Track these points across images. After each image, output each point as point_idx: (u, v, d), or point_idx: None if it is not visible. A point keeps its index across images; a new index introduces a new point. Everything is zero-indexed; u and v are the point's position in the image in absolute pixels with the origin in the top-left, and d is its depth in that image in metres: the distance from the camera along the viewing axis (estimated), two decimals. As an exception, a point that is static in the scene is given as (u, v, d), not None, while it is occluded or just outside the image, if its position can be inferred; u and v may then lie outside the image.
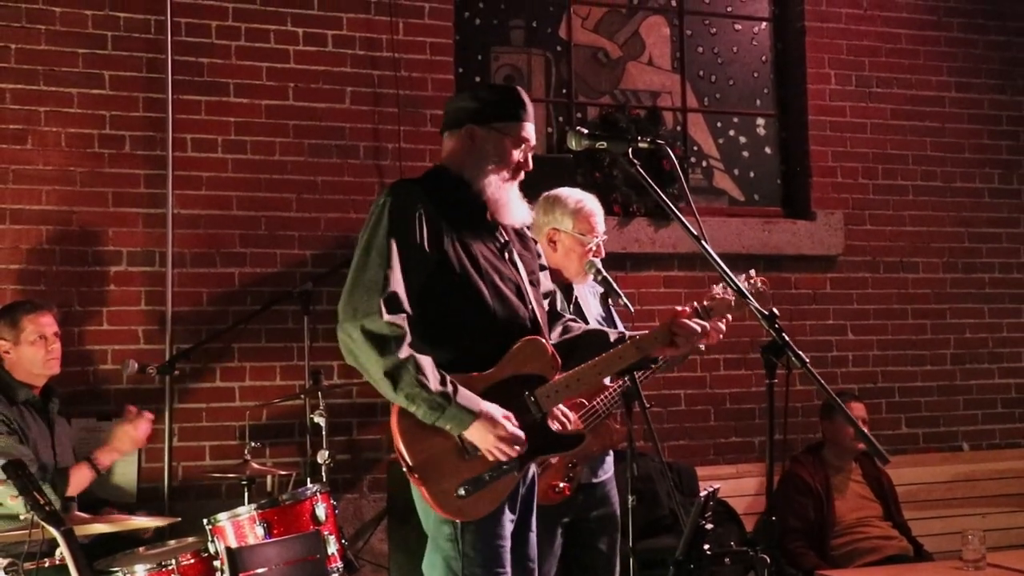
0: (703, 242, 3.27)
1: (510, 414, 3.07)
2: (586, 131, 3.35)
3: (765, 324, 3.17)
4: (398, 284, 3.01)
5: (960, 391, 6.85)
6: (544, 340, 3.23)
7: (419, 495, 3.09)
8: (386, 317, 2.95)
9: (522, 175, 3.32)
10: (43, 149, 5.28)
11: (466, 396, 3.01)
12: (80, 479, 4.53)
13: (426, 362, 2.98)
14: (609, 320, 4.25)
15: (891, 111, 6.78)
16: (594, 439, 4.03)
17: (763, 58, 6.79)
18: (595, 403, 4.03)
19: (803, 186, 6.62)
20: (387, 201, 3.10)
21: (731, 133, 6.70)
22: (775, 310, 3.24)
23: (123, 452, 4.73)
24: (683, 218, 3.30)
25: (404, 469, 3.03)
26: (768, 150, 6.75)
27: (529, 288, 3.28)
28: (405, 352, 2.95)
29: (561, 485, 3.98)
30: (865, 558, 5.66)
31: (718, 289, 3.49)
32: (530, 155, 3.32)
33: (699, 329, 3.35)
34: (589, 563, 4.15)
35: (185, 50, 5.48)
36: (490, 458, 3.03)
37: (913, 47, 6.86)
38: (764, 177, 6.73)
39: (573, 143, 3.34)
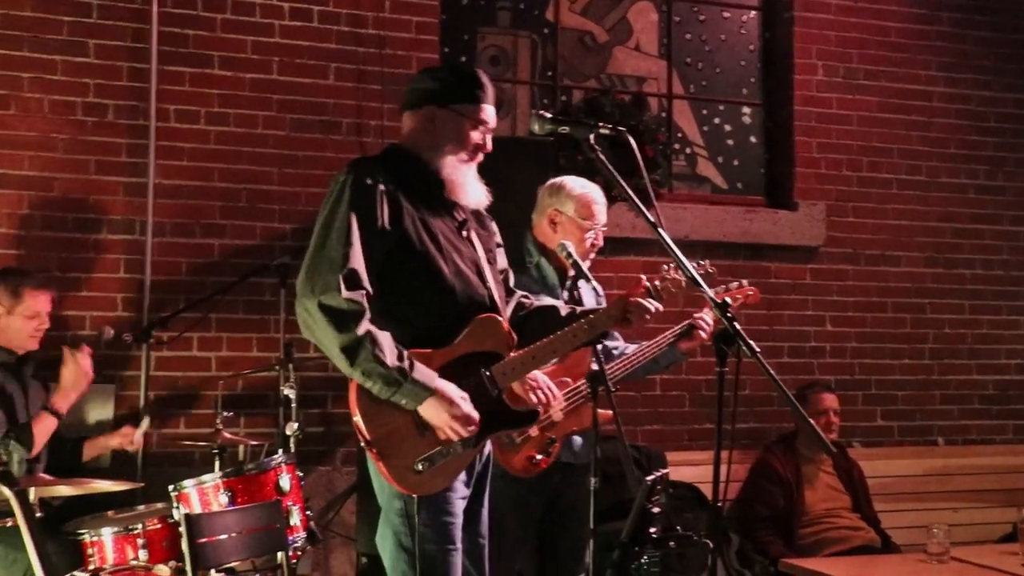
0: (659, 229, 3.29)
1: (465, 395, 3.10)
2: (549, 115, 3.36)
3: (718, 312, 3.20)
4: (358, 261, 3.02)
5: (937, 385, 6.87)
6: (500, 318, 3.27)
7: (375, 470, 3.12)
8: (345, 294, 2.97)
9: (480, 157, 3.34)
10: (26, 115, 5.31)
11: (422, 372, 3.03)
12: (44, 429, 4.54)
13: (384, 338, 3.00)
14: None
15: (877, 104, 6.78)
16: (574, 419, 4.08)
17: (751, 47, 6.80)
18: (579, 384, 4.07)
19: (786, 176, 6.63)
20: (348, 178, 3.11)
21: (716, 121, 6.71)
22: (728, 299, 3.28)
23: (77, 390, 4.70)
24: (641, 205, 3.31)
25: (362, 443, 3.05)
26: (753, 139, 6.77)
27: (487, 266, 3.32)
28: (363, 328, 2.97)
29: (539, 457, 4.01)
30: (832, 548, 5.70)
31: (669, 270, 3.56)
32: (488, 137, 3.33)
33: (651, 308, 3.45)
34: (563, 544, 4.18)
35: (170, 21, 5.51)
36: (442, 436, 3.06)
37: (902, 40, 6.87)
38: (748, 166, 6.76)
39: (536, 127, 3.36)
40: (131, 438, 4.86)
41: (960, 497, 6.61)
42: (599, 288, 4.38)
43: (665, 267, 3.65)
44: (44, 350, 5.09)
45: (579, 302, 4.26)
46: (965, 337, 6.95)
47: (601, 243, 4.30)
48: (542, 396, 3.51)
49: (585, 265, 4.24)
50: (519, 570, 4.23)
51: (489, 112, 3.31)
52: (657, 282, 3.52)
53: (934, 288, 6.88)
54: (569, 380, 4.01)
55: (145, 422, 5.02)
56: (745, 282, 3.82)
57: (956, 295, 6.93)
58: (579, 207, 4.21)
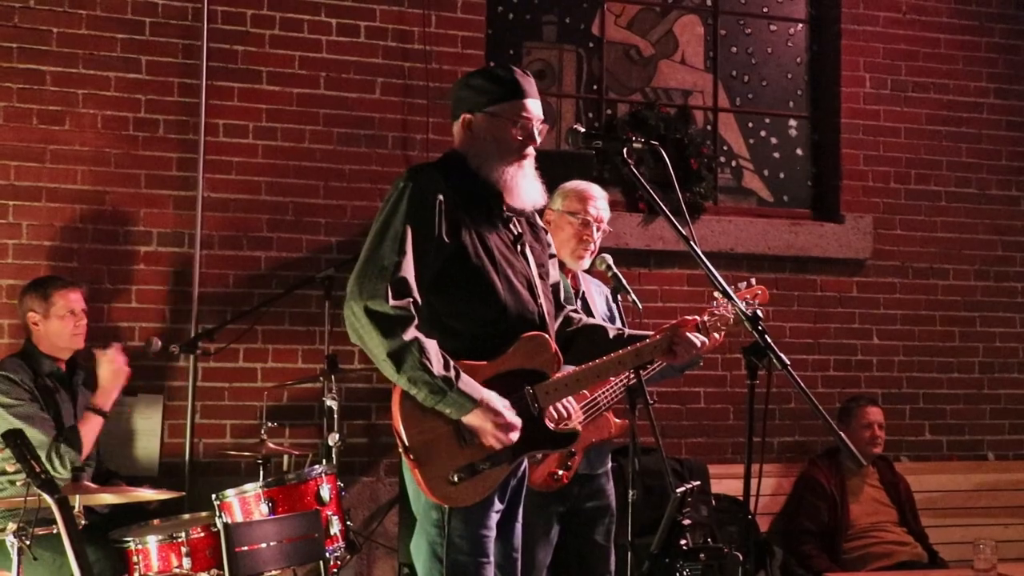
0: (691, 242, 3.31)
1: (508, 402, 3.09)
2: (582, 130, 3.37)
3: (748, 325, 3.20)
4: (408, 271, 3.02)
5: (987, 400, 6.79)
6: (549, 337, 3.25)
7: (410, 477, 3.12)
8: (391, 302, 2.97)
9: (531, 151, 3.28)
10: (80, 130, 5.43)
11: (467, 382, 3.02)
12: (90, 429, 4.64)
13: (431, 345, 2.99)
14: (613, 321, 4.32)
15: (926, 116, 6.73)
16: (592, 430, 4.10)
17: (798, 60, 6.78)
18: (597, 395, 4.10)
19: (833, 189, 6.60)
20: (407, 186, 3.10)
21: (762, 134, 6.70)
22: (759, 311, 3.29)
23: (114, 386, 4.76)
24: (673, 219, 3.33)
25: (400, 449, 3.06)
26: (799, 152, 6.75)
27: (539, 282, 3.31)
28: (410, 335, 2.97)
29: (560, 473, 4.05)
30: (877, 563, 5.68)
31: (717, 307, 3.58)
32: (536, 128, 3.27)
33: (698, 344, 3.45)
34: (585, 554, 4.22)
35: (220, 37, 5.61)
36: (486, 444, 3.06)
37: (952, 52, 6.81)
38: (794, 179, 6.73)
39: (570, 141, 3.39)
40: (109, 362, 4.78)
41: (1010, 513, 6.52)
42: (638, 301, 4.37)
43: (715, 302, 3.66)
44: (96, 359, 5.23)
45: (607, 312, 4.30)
46: (1016, 351, 6.86)
47: (595, 237, 4.28)
48: (561, 410, 3.53)
49: (584, 264, 4.28)
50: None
51: (530, 106, 3.25)
52: (705, 317, 3.54)
53: (984, 301, 6.81)
54: (586, 392, 4.03)
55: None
56: (753, 280, 3.79)
57: (1007, 308, 6.86)
58: (567, 201, 4.26)
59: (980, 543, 4.78)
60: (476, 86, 3.27)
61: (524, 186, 3.27)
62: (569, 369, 3.30)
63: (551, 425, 3.27)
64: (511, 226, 3.31)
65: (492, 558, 3.19)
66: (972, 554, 4.76)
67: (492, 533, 3.19)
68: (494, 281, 3.16)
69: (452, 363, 3.02)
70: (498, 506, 3.22)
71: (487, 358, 3.15)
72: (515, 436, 3.09)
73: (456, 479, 3.04)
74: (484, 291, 3.16)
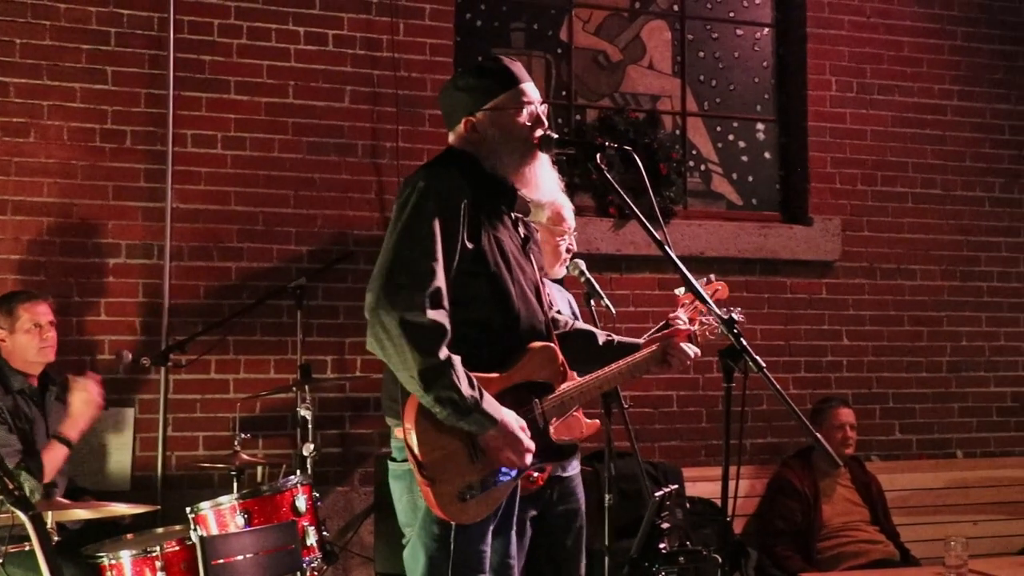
0: (666, 247, 3.30)
1: (524, 423, 3.03)
2: (555, 136, 3.35)
3: (724, 329, 3.21)
4: (442, 279, 2.90)
5: (955, 398, 6.85)
6: (556, 348, 3.19)
7: (401, 490, 3.09)
8: (429, 314, 2.83)
9: (540, 134, 3.19)
10: (45, 142, 5.39)
11: (489, 402, 2.93)
12: (53, 458, 4.55)
13: (459, 363, 2.87)
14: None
15: (892, 118, 6.79)
16: (563, 431, 4.08)
17: (764, 64, 6.82)
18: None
19: (801, 191, 6.64)
20: (430, 185, 2.98)
21: (730, 138, 6.73)
22: (735, 315, 3.29)
23: (86, 418, 4.69)
24: (647, 223, 3.32)
25: (413, 466, 2.94)
26: (767, 155, 6.79)
27: (542, 287, 3.26)
28: (444, 353, 2.84)
29: (535, 476, 4.04)
30: (850, 562, 5.71)
31: (706, 318, 3.61)
32: (541, 110, 3.20)
33: (691, 354, 3.50)
34: (557, 557, 4.20)
35: (187, 47, 5.58)
36: (499, 465, 2.99)
37: (916, 55, 6.88)
38: (762, 182, 6.77)
39: (543, 147, 3.38)
40: (83, 392, 4.69)
41: (980, 510, 6.59)
42: (611, 306, 4.38)
43: (680, 305, 3.67)
44: (68, 374, 5.17)
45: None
46: (982, 349, 6.93)
47: (575, 248, 4.32)
48: None
49: (561, 273, 4.32)
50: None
51: (527, 89, 3.18)
52: (696, 328, 3.57)
53: (951, 301, 6.87)
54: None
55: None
56: (712, 277, 3.80)
57: (973, 307, 6.92)
58: (551, 215, 4.25)
59: (951, 540, 4.82)
60: (469, 86, 3.19)
61: (542, 176, 3.22)
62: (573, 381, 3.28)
63: (555, 438, 3.23)
64: (519, 228, 3.25)
65: (487, 572, 3.13)
66: (943, 551, 4.80)
67: (488, 547, 3.14)
68: (509, 289, 3.09)
69: (475, 381, 2.92)
70: (493, 517, 3.17)
71: (496, 367, 3.06)
72: (529, 459, 3.03)
73: (468, 497, 2.96)
74: (499, 299, 3.08)
